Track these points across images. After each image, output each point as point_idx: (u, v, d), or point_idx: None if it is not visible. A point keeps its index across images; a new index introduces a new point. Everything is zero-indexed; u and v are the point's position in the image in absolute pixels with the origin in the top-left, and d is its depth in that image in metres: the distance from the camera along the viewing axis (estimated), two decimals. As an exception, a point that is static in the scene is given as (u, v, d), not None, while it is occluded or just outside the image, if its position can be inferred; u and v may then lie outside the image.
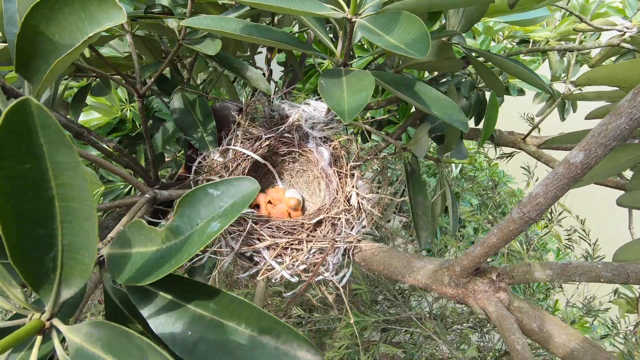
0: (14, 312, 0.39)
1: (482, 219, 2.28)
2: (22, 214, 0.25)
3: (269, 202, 0.92)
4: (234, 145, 0.86)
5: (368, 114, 1.42)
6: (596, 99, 1.03)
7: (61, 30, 0.38)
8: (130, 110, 1.63)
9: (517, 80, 1.45)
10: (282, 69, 1.50)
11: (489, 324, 1.69)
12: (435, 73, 1.11)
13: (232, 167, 0.83)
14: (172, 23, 0.79)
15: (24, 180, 0.24)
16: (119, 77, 0.90)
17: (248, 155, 0.86)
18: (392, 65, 0.89)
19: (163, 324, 0.40)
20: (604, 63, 1.25)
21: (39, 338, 0.33)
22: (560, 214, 2.01)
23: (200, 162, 0.85)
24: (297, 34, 1.45)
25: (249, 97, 0.96)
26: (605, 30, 1.05)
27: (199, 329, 0.39)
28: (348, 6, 0.59)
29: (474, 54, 0.82)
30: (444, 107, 0.61)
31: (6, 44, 0.57)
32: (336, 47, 0.72)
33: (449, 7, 0.55)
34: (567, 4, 1.42)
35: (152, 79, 0.82)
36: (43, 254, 0.28)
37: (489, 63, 0.88)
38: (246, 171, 0.85)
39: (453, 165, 2.45)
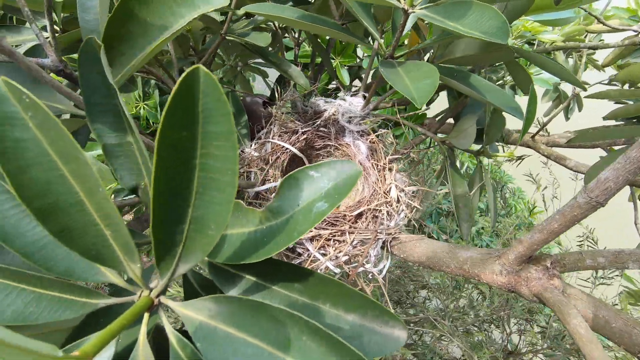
0: (107, 287, 0.39)
1: (489, 221, 2.30)
2: (171, 184, 0.26)
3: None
4: (272, 139, 0.86)
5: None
6: (619, 98, 1.05)
7: (153, 13, 0.39)
8: (144, 108, 1.62)
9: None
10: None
11: (491, 325, 1.71)
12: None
13: (271, 160, 0.83)
14: (214, 14, 0.80)
15: (177, 149, 0.24)
16: (153, 72, 0.90)
17: (286, 149, 0.86)
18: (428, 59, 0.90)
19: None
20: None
21: (146, 315, 0.33)
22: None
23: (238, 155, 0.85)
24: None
25: (281, 92, 0.96)
26: (621, 30, 1.07)
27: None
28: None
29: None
30: (497, 96, 0.62)
31: (69, 32, 0.57)
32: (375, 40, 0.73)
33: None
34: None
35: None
36: (175, 226, 0.28)
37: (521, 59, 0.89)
38: (285, 164, 0.85)
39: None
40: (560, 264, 0.61)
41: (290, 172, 0.37)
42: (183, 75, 0.22)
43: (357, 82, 1.72)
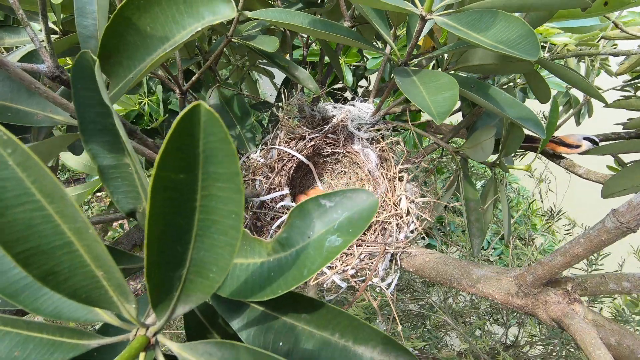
0: (101, 325, 0.36)
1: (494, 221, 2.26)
2: (167, 229, 0.23)
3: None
4: (278, 145, 0.83)
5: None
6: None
7: (154, 22, 0.35)
8: (147, 104, 1.60)
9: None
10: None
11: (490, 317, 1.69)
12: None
13: (277, 167, 0.81)
14: (221, 17, 0.76)
15: (176, 191, 0.22)
16: (160, 73, 0.87)
17: (292, 156, 0.83)
18: (438, 66, 0.86)
19: (253, 335, 0.38)
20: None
21: (142, 355, 0.30)
22: (559, 212, 2.00)
23: (243, 162, 0.82)
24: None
25: (288, 95, 0.93)
26: (638, 38, 1.02)
27: (292, 339, 0.37)
28: (421, 3, 0.57)
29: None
30: (517, 110, 0.58)
31: (65, 36, 0.54)
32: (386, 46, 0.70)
33: (542, 9, 0.53)
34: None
35: (197, 74, 0.79)
36: (173, 271, 0.25)
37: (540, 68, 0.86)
38: (291, 172, 0.82)
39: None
40: (581, 287, 0.58)
41: (301, 202, 0.34)
42: (182, 113, 0.19)
43: (363, 82, 1.68)
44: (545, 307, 0.58)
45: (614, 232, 0.46)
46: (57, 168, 1.34)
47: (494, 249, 2.21)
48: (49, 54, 0.44)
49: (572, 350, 1.50)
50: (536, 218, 2.43)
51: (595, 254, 1.74)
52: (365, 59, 1.53)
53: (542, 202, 2.23)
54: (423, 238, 2.20)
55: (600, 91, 1.57)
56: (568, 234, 2.01)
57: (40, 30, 0.46)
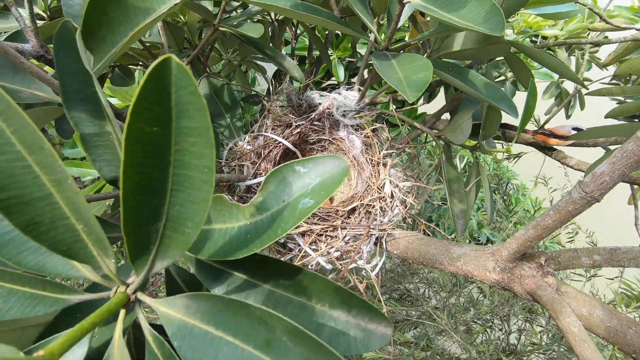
0: (88, 283, 0.38)
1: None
2: (143, 182, 0.24)
3: (298, 190, 0.91)
4: (264, 132, 0.84)
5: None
6: (621, 94, 1.04)
7: (136, -4, 0.37)
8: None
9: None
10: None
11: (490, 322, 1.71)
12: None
13: (264, 153, 0.82)
14: (208, 5, 0.78)
15: (149, 145, 0.23)
16: (148, 64, 0.88)
17: (279, 142, 0.85)
18: (423, 53, 0.88)
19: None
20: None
21: (122, 312, 0.31)
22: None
23: (231, 148, 0.84)
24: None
25: (277, 86, 0.95)
26: (624, 29, 1.05)
27: (271, 305, 0.39)
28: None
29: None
30: (492, 93, 0.60)
31: (49, 21, 0.55)
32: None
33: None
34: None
35: (185, 64, 0.80)
36: (150, 225, 0.27)
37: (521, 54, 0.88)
38: (278, 157, 0.84)
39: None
40: (555, 262, 0.60)
41: (278, 166, 0.35)
42: (153, 65, 0.20)
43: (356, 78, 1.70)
44: (521, 280, 0.60)
45: (580, 202, 0.48)
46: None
47: (491, 243, 2.25)
48: (34, 34, 0.45)
49: (573, 358, 1.51)
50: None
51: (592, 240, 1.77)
52: (358, 55, 1.55)
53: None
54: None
55: (589, 83, 1.61)
56: (570, 240, 2.03)
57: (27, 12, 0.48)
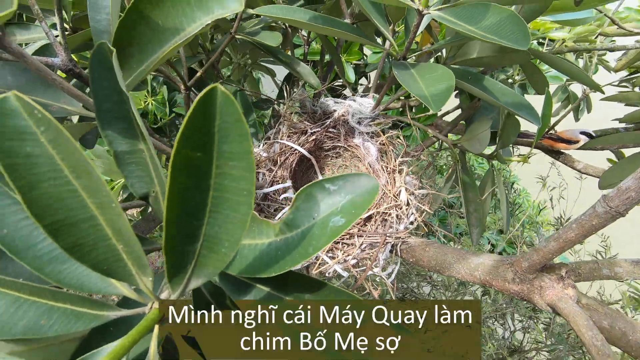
0: (117, 299, 0.38)
1: (497, 220, 2.28)
2: (184, 204, 0.25)
3: (312, 196, 0.91)
4: (280, 139, 0.85)
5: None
6: (638, 100, 1.03)
7: (165, 15, 0.37)
8: (152, 103, 1.62)
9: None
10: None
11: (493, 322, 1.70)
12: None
13: (280, 160, 0.83)
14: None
15: (192, 169, 0.24)
16: (163, 70, 0.89)
17: (294, 149, 0.85)
18: (435, 60, 0.88)
19: (258, 316, 0.40)
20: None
21: (157, 327, 0.32)
22: (568, 219, 2.02)
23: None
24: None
25: (290, 91, 0.95)
26: (636, 34, 1.04)
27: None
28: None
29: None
30: (513, 101, 0.60)
31: (74, 33, 0.56)
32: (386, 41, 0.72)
33: (533, 2, 0.55)
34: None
35: (201, 71, 0.81)
36: (189, 245, 0.27)
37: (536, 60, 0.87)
38: (294, 165, 0.84)
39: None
40: (575, 273, 0.60)
41: (306, 185, 0.36)
42: (200, 95, 0.21)
43: (363, 80, 1.70)
44: (540, 292, 0.60)
45: (604, 217, 0.48)
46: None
47: (492, 245, 2.23)
48: (63, 48, 0.46)
49: (578, 356, 1.51)
50: (546, 225, 2.43)
51: (604, 251, 1.75)
52: (365, 57, 1.55)
53: (553, 208, 2.23)
54: (427, 236, 2.23)
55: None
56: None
57: (54, 24, 0.48)
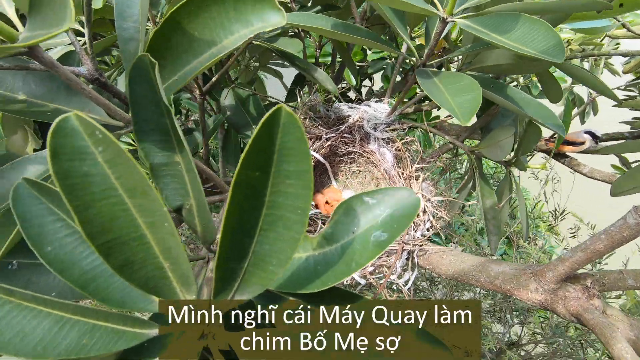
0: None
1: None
2: (239, 223, 0.24)
3: (327, 202, 0.90)
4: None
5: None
6: (649, 105, 1.02)
7: (203, 27, 0.37)
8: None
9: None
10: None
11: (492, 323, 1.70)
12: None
13: (296, 167, 0.82)
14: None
15: (250, 188, 0.23)
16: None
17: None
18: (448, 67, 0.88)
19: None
20: None
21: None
22: (563, 212, 2.02)
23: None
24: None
25: (301, 94, 0.95)
26: None
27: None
28: (443, 5, 0.58)
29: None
30: (537, 110, 0.60)
31: (100, 38, 0.56)
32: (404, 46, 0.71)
33: (563, 12, 0.54)
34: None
35: (217, 76, 0.81)
36: (237, 263, 0.27)
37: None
38: (309, 171, 0.84)
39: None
40: (600, 283, 0.60)
41: (345, 199, 0.35)
42: (266, 116, 0.20)
43: (366, 82, 1.69)
44: (565, 302, 0.59)
45: (636, 228, 0.48)
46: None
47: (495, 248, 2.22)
48: (90, 58, 0.46)
49: (575, 349, 1.52)
50: (540, 219, 2.45)
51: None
52: (367, 60, 1.54)
53: (547, 202, 2.25)
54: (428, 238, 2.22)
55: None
56: (573, 235, 2.02)
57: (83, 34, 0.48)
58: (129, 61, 0.44)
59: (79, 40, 0.49)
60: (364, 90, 1.51)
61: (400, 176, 0.83)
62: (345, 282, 0.75)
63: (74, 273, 0.27)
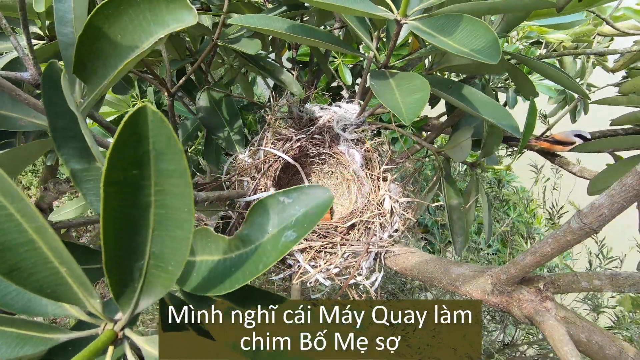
0: (74, 321, 0.38)
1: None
2: (122, 221, 0.25)
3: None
4: (265, 146, 0.85)
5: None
6: (627, 105, 1.01)
7: (124, 31, 0.37)
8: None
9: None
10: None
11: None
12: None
13: (263, 168, 0.82)
14: (205, 21, 0.78)
15: (128, 186, 0.23)
16: (148, 75, 0.89)
17: (279, 157, 0.85)
18: (424, 68, 0.87)
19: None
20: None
21: (111, 348, 0.32)
22: (560, 209, 2.00)
23: (231, 162, 0.84)
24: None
25: (277, 97, 0.95)
26: (632, 34, 1.03)
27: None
28: (397, 8, 0.58)
29: (507, 57, 0.81)
30: (493, 111, 0.59)
31: (48, 42, 0.56)
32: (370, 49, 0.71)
33: (510, 12, 0.54)
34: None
35: (184, 78, 0.81)
36: (133, 263, 0.27)
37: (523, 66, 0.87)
38: (277, 172, 0.84)
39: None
40: (554, 285, 0.59)
41: (263, 198, 0.35)
42: (128, 115, 0.21)
43: (359, 81, 1.69)
44: (519, 304, 0.59)
45: (579, 233, 0.47)
46: (57, 168, 1.37)
47: (489, 246, 2.22)
48: (32, 62, 0.46)
49: None
50: (535, 217, 2.43)
51: (600, 253, 1.73)
52: (362, 59, 1.54)
53: (545, 201, 2.23)
54: (425, 239, 2.22)
55: (595, 90, 1.57)
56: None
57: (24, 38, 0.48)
58: (70, 66, 0.44)
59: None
60: (357, 89, 1.51)
61: (368, 177, 0.83)
62: (310, 283, 0.75)
63: (-29, 278, 0.27)
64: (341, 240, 0.77)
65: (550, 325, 0.54)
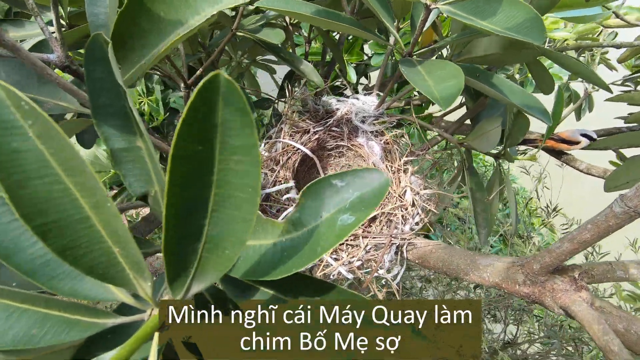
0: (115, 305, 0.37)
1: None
2: (186, 201, 0.23)
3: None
4: (282, 138, 0.83)
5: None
6: (641, 101, 1.01)
7: (168, 7, 0.36)
8: (147, 103, 1.60)
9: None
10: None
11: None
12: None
13: (282, 160, 0.81)
14: (226, 10, 0.77)
15: (193, 163, 0.22)
16: (161, 67, 0.87)
17: (297, 149, 0.83)
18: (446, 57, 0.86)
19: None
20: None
21: (157, 335, 0.30)
22: (555, 208, 2.00)
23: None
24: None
25: (292, 90, 0.93)
26: (638, 25, 1.03)
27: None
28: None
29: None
30: (523, 98, 0.58)
31: (76, 27, 0.54)
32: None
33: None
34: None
35: (201, 69, 0.79)
36: (190, 245, 0.26)
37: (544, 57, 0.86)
38: (296, 165, 0.83)
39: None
40: (588, 275, 0.58)
41: (312, 181, 0.34)
42: (201, 82, 0.19)
43: (363, 80, 1.68)
44: (552, 294, 0.58)
45: (622, 217, 0.46)
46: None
47: (491, 247, 2.22)
48: (59, 44, 0.45)
49: (570, 349, 1.50)
50: (534, 217, 2.43)
51: (594, 250, 1.73)
52: (365, 57, 1.53)
53: (539, 199, 2.24)
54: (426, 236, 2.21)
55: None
56: (566, 231, 2.00)
57: (50, 21, 0.47)
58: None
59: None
60: (360, 88, 1.50)
61: (388, 169, 0.82)
62: (332, 276, 0.74)
63: (19, 260, 0.26)
64: (363, 232, 0.76)
65: (588, 315, 0.52)
